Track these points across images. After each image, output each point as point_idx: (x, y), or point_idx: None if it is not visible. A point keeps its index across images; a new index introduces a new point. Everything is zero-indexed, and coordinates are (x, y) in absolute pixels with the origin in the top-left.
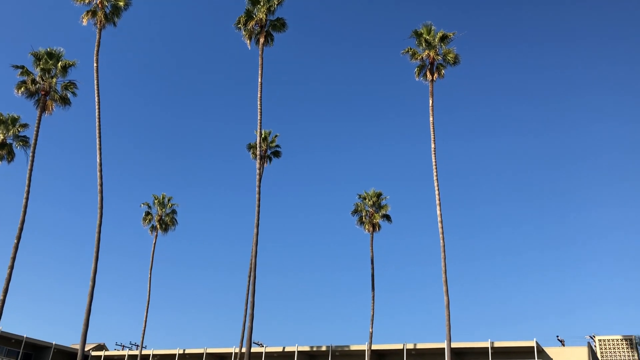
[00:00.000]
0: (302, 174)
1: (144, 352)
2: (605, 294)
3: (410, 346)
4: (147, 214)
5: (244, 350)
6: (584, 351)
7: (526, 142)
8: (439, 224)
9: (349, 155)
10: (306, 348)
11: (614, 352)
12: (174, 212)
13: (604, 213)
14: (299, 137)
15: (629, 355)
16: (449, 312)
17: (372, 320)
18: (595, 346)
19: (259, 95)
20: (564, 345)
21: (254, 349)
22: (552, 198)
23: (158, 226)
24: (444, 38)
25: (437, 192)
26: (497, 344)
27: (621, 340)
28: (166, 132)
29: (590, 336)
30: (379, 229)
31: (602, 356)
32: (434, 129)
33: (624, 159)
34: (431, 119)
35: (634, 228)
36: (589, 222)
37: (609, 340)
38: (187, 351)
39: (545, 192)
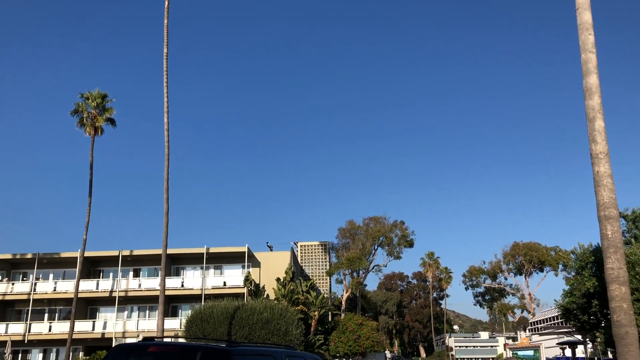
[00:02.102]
0: None
1: None
2: (307, 204)
3: (126, 253)
4: None
5: None
6: (287, 255)
7: None
8: (165, 132)
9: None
10: (7, 256)
11: (312, 255)
12: None
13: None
14: None
15: (322, 257)
16: (168, 220)
17: (87, 227)
18: (297, 251)
19: None
20: (272, 250)
21: None
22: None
23: None
24: None
25: (165, 98)
26: (212, 250)
27: (317, 245)
28: None
29: (294, 242)
30: (101, 133)
31: (302, 259)
32: (167, 32)
33: None
34: (165, 21)
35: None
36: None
37: (308, 246)
38: None
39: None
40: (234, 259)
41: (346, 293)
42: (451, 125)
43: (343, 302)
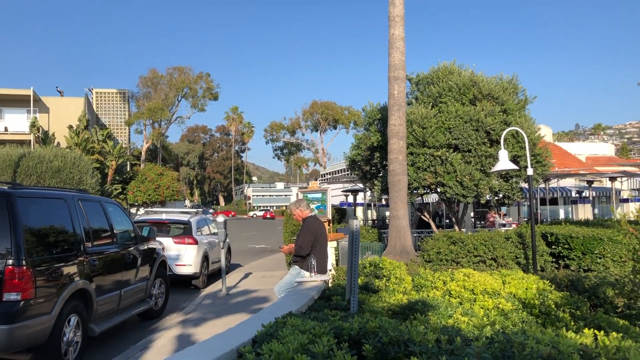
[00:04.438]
0: None
1: None
2: (104, 47)
3: None
4: None
5: None
6: (80, 101)
7: None
8: None
9: None
10: None
11: (109, 103)
12: None
13: None
14: None
15: (121, 106)
16: None
17: None
18: (92, 98)
19: None
20: (62, 96)
21: None
22: None
23: None
24: None
25: None
26: None
27: (116, 93)
28: None
29: (88, 89)
30: None
31: (98, 107)
32: None
33: None
34: None
35: None
36: None
37: (105, 93)
38: None
39: None
40: (17, 102)
41: (146, 144)
42: None
43: (143, 153)
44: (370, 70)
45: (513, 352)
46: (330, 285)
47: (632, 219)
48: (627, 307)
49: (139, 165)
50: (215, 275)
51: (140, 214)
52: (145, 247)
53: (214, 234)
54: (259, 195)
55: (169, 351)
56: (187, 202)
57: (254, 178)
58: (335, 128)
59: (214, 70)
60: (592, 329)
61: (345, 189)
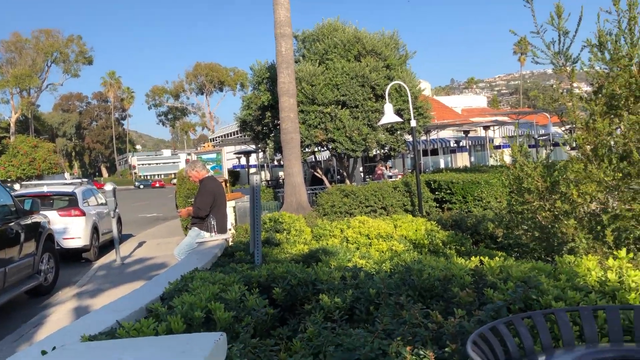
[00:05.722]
0: None
1: None
2: None
3: None
4: None
5: None
6: None
7: None
8: None
9: None
10: None
11: None
12: None
13: None
14: None
15: None
16: None
17: None
18: None
19: None
20: None
21: None
22: None
23: None
24: None
25: None
26: None
27: None
28: None
29: None
30: None
31: None
32: None
33: None
34: None
35: None
36: None
37: None
38: None
39: None
40: None
41: (15, 114)
42: None
43: (12, 125)
44: (256, 30)
45: (413, 279)
46: (231, 243)
47: (494, 164)
48: (505, 237)
49: (9, 138)
50: (107, 247)
51: (18, 189)
52: (29, 222)
53: (103, 204)
54: (145, 164)
55: (67, 324)
56: (67, 175)
57: (138, 146)
58: (221, 90)
59: (86, 33)
60: (482, 257)
61: (237, 151)
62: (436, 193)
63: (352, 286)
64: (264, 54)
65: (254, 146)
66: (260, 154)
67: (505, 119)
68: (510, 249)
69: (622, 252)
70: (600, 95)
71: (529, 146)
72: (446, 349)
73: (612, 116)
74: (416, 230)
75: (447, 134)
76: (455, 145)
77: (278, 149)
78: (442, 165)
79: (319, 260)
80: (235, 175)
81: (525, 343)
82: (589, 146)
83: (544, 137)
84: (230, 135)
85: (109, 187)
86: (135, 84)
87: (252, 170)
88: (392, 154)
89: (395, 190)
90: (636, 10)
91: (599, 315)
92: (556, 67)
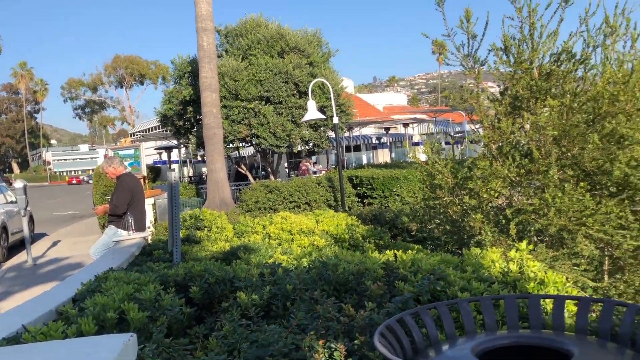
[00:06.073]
0: None
1: None
2: None
3: None
4: None
5: None
6: None
7: None
8: None
9: None
10: None
11: None
12: None
13: None
14: None
15: None
16: None
17: None
18: None
19: None
20: None
21: None
22: None
23: None
24: None
25: None
26: None
27: None
28: None
29: None
30: None
31: None
32: None
33: None
34: None
35: None
36: None
37: None
38: None
39: None
40: None
41: None
42: None
43: None
44: (179, 23)
45: (329, 274)
46: (150, 241)
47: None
48: (419, 230)
49: None
50: (17, 247)
51: None
52: None
53: (12, 202)
54: (61, 160)
55: None
56: None
57: (53, 141)
58: (142, 84)
59: None
60: (396, 251)
61: (158, 146)
62: (358, 188)
63: (270, 283)
64: (187, 48)
65: (175, 141)
66: (183, 150)
67: (424, 116)
68: (426, 242)
69: (523, 244)
70: (505, 96)
71: (446, 143)
72: (355, 342)
73: (516, 116)
74: (337, 225)
75: (369, 130)
76: (377, 141)
77: (200, 144)
78: (364, 161)
79: (240, 258)
80: (156, 172)
81: (430, 333)
82: (494, 144)
83: (459, 134)
84: (152, 130)
85: (19, 184)
86: (50, 76)
87: (174, 166)
88: (316, 150)
89: (319, 186)
90: (535, 17)
91: (500, 304)
92: (465, 69)
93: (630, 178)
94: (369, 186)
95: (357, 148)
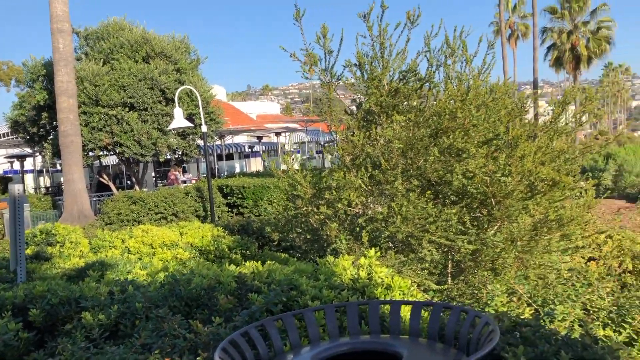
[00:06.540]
0: None
1: None
2: None
3: None
4: None
5: None
6: None
7: None
8: None
9: None
10: None
11: None
12: None
13: None
14: None
15: None
16: None
17: None
18: None
19: None
20: None
21: None
22: None
23: None
24: None
25: None
26: None
27: None
28: None
29: None
30: None
31: None
32: None
33: None
34: None
35: None
36: None
37: None
38: None
39: None
40: None
41: None
42: None
43: None
44: (33, 23)
45: (180, 289)
46: None
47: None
48: (282, 240)
49: None
50: None
51: None
52: None
53: None
54: None
55: None
56: None
57: None
58: None
59: None
60: (255, 262)
61: (9, 155)
62: (228, 197)
63: (120, 301)
64: (44, 50)
65: (29, 150)
66: (39, 158)
67: (296, 126)
68: (293, 250)
69: (372, 252)
70: (360, 110)
71: (316, 152)
72: (198, 359)
73: (368, 129)
74: (202, 237)
75: (242, 139)
76: (249, 150)
77: (57, 153)
78: (237, 170)
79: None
80: (6, 182)
81: (275, 344)
82: (348, 156)
83: (330, 144)
84: (1, 137)
85: None
86: None
87: (28, 175)
88: (185, 158)
89: (187, 196)
90: (386, 36)
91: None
92: (323, 83)
93: (467, 188)
94: (240, 195)
95: (230, 157)
